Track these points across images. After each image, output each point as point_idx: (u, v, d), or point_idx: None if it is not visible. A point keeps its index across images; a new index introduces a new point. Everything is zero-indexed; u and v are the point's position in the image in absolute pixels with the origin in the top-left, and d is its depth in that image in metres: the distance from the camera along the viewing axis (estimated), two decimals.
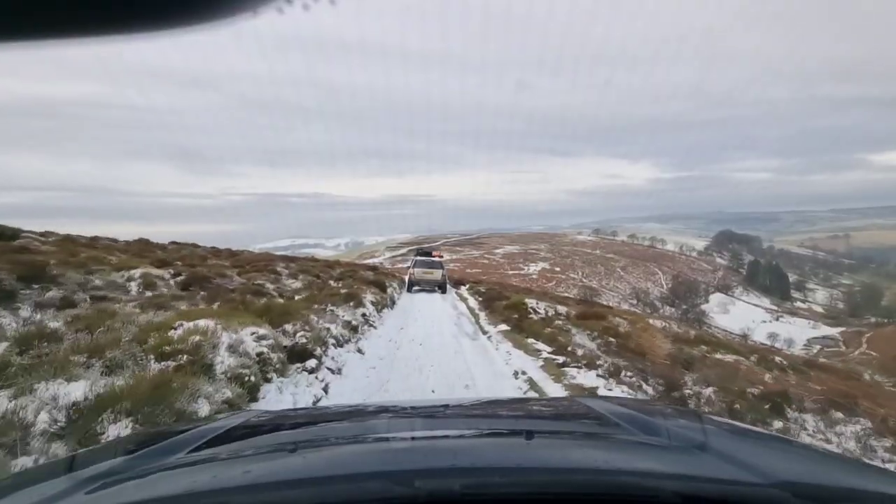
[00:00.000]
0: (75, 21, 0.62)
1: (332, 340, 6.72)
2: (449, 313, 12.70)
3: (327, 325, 7.01)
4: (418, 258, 20.18)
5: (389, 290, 14.81)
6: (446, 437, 1.18)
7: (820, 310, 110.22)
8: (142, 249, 17.44)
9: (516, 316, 10.19)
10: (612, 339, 8.18)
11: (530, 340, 7.91)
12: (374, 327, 9.49)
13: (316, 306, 8.23)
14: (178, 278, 10.01)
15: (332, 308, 8.43)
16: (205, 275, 10.17)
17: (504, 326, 9.51)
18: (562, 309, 11.68)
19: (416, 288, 18.94)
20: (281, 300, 9.12)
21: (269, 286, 11.66)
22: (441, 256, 21.58)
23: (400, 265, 53.73)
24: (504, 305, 11.45)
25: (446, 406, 1.62)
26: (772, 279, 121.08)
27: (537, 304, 11.68)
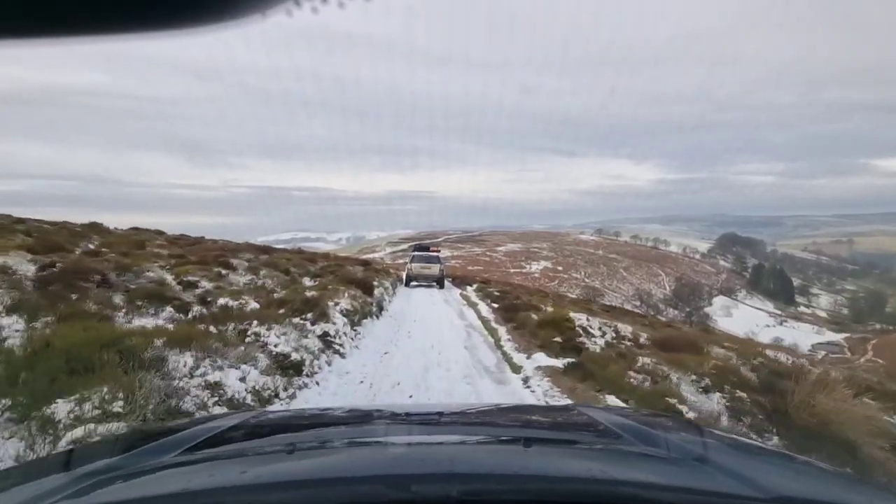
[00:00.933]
0: (85, 20, 0.62)
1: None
2: (454, 324, 9.21)
3: (218, 377, 3.39)
4: (416, 253, 19.54)
5: (378, 292, 11.18)
6: (444, 442, 1.15)
7: (824, 315, 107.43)
8: (75, 234, 13.93)
9: (560, 339, 6.58)
10: (742, 395, 4.59)
11: (610, 399, 4.27)
12: (342, 355, 5.93)
13: (232, 326, 4.63)
14: (46, 272, 6.40)
15: (259, 330, 4.81)
16: (88, 268, 6.56)
17: (546, 358, 5.90)
18: (624, 329, 7.93)
19: (413, 283, 18.04)
20: (180, 315, 5.52)
21: (206, 285, 8.08)
22: (438, 251, 21.06)
23: (400, 260, 50.92)
24: (538, 321, 7.83)
25: (445, 412, 1.55)
26: (776, 283, 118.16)
27: (588, 320, 8.00)
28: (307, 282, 11.21)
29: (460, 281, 21.25)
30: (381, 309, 10.00)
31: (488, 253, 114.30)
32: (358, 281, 10.11)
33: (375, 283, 12.20)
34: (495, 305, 11.81)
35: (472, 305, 12.54)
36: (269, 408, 3.90)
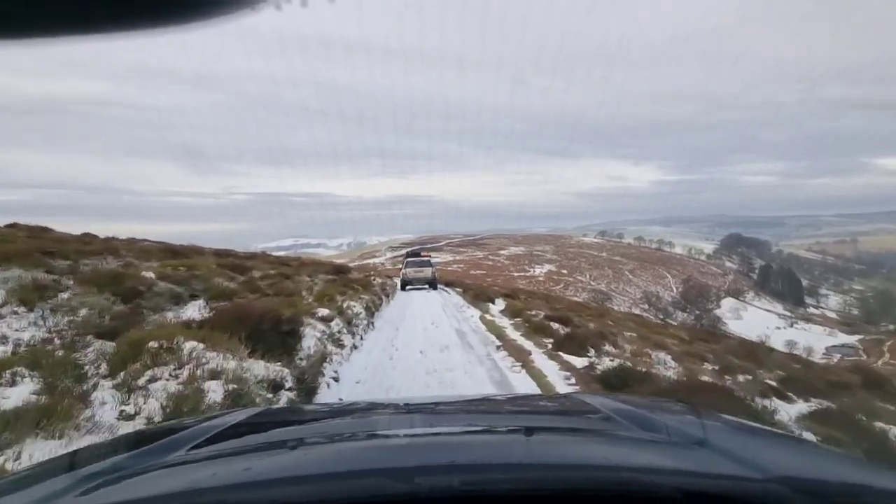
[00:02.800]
0: (78, 18, 0.61)
1: None
2: None
3: None
4: (409, 259, 20.63)
5: (312, 341, 5.34)
6: (446, 433, 1.13)
7: (834, 316, 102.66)
8: None
9: None
10: None
11: None
12: None
13: None
14: None
15: None
16: None
17: None
18: None
19: (409, 287, 18.39)
20: None
21: None
22: (429, 256, 22.04)
23: (400, 265, 45.84)
24: None
25: (446, 403, 1.57)
26: (784, 284, 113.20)
27: None
28: (167, 320, 5.34)
29: (476, 294, 15.16)
30: (314, 387, 4.14)
31: (491, 257, 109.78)
32: (259, 319, 4.26)
33: (324, 313, 6.34)
34: (575, 363, 5.95)
35: (517, 353, 6.63)
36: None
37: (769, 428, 1.23)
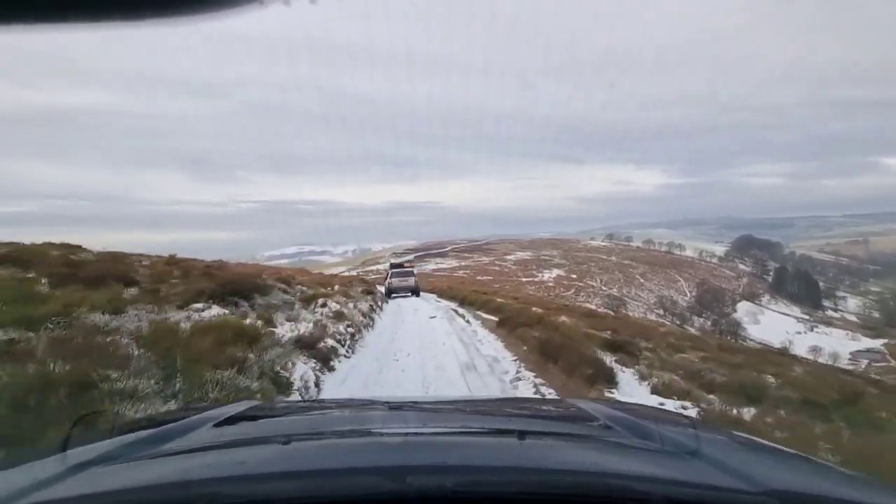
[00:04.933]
0: (79, 4, 0.59)
1: None
2: None
3: None
4: (394, 270, 21.94)
5: None
6: (439, 434, 1.12)
7: (854, 319, 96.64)
8: None
9: None
10: None
11: None
12: None
13: None
14: None
15: None
16: None
17: None
18: None
19: (394, 295, 19.22)
20: None
21: None
22: (413, 267, 24.61)
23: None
24: None
25: (441, 403, 1.57)
26: (800, 287, 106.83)
27: None
28: None
29: (543, 343, 6.28)
30: None
31: (497, 262, 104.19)
32: None
33: None
34: None
35: None
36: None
37: (766, 442, 1.16)
